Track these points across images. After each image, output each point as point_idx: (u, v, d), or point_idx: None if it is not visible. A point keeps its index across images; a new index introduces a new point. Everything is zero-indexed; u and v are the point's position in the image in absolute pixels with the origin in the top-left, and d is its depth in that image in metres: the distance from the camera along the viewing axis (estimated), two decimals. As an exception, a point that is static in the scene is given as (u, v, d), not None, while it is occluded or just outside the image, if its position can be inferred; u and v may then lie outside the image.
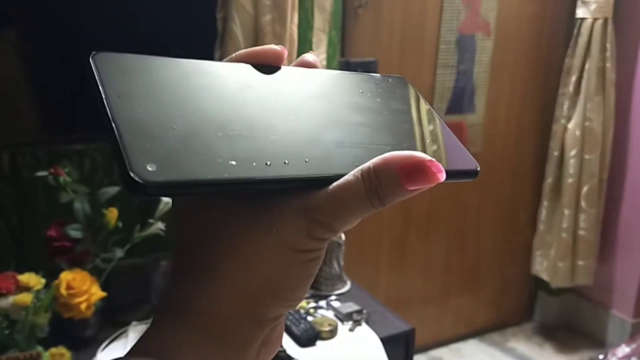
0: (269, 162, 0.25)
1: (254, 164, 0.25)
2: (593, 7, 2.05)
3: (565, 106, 2.18)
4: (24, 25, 1.34)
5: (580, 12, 2.09)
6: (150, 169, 0.22)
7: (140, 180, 0.22)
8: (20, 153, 1.45)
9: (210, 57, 1.45)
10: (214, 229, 0.27)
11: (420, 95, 0.35)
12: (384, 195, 0.26)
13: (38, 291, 1.19)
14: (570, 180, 2.19)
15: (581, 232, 2.24)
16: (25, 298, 1.14)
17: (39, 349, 1.17)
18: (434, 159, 0.27)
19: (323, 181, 0.26)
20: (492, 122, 2.20)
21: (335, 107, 0.31)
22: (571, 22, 2.19)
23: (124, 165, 0.22)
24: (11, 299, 1.14)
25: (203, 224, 0.28)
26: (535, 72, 2.26)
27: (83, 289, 1.23)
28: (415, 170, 0.26)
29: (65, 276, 1.23)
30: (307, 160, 0.27)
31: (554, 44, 2.25)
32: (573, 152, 2.17)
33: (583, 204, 2.21)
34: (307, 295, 0.30)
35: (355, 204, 0.26)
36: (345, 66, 1.84)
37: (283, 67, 0.31)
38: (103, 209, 1.30)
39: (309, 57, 0.33)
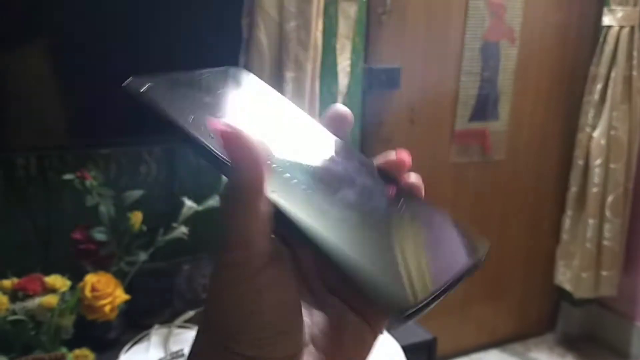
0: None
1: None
2: (620, 14, 2.03)
3: (591, 114, 2.15)
4: (53, 30, 1.36)
5: (607, 20, 2.07)
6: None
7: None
8: (48, 156, 1.47)
9: (235, 62, 1.46)
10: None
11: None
12: (230, 181, 0.27)
13: (63, 293, 1.20)
14: (594, 189, 2.16)
15: (605, 243, 2.20)
16: (51, 300, 1.16)
17: (64, 350, 1.19)
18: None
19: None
20: (516, 129, 2.18)
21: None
22: (597, 30, 2.16)
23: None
24: (37, 301, 1.15)
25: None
26: (560, 80, 2.24)
27: (107, 292, 1.25)
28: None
29: (90, 279, 1.25)
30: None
31: (579, 51, 2.23)
32: (598, 161, 2.14)
33: (608, 213, 2.18)
34: (288, 330, 0.28)
35: (227, 206, 0.26)
36: (369, 72, 1.84)
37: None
38: (128, 213, 1.32)
39: (340, 108, 0.33)
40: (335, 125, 0.33)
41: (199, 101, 0.30)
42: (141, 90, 0.29)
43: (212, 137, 0.27)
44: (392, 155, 0.32)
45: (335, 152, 0.32)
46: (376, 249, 0.27)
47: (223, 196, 0.26)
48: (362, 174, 0.31)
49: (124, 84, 0.28)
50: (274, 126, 0.32)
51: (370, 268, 0.25)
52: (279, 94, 0.34)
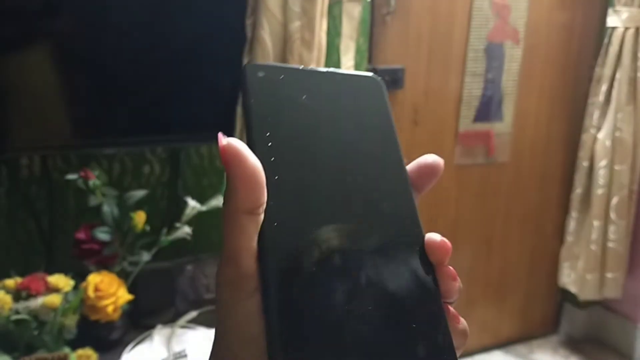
0: None
1: None
2: (625, 16, 2.02)
3: (595, 116, 2.15)
4: (57, 30, 1.36)
5: (612, 21, 2.06)
6: None
7: None
8: (51, 156, 1.47)
9: (238, 62, 1.46)
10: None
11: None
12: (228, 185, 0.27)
13: (67, 293, 1.20)
14: (599, 191, 2.15)
15: (610, 244, 2.19)
16: (55, 299, 1.16)
17: (67, 350, 1.19)
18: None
19: None
20: (520, 131, 2.18)
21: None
22: (602, 31, 2.16)
23: None
24: (41, 300, 1.15)
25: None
26: (564, 81, 2.23)
27: (110, 292, 1.25)
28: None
29: (93, 278, 1.24)
30: None
31: (584, 52, 2.22)
32: (603, 163, 2.13)
33: (612, 215, 2.17)
34: None
35: (224, 218, 0.27)
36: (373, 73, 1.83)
37: None
38: (131, 212, 1.32)
39: (430, 158, 0.31)
40: (421, 175, 0.31)
41: (294, 113, 0.28)
42: (256, 75, 0.27)
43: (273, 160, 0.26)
44: (436, 236, 0.30)
45: (383, 215, 0.29)
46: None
47: (222, 209, 0.26)
48: (397, 257, 0.28)
49: (245, 65, 0.27)
50: (338, 159, 0.28)
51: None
52: (390, 122, 0.31)
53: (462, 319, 0.30)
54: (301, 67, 0.29)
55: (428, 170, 0.31)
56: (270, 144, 0.27)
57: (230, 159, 0.25)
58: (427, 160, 0.31)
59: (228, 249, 0.25)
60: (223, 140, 0.25)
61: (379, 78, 0.32)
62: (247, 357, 0.25)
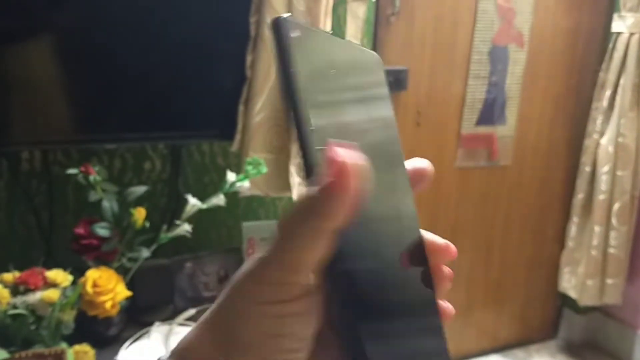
0: None
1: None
2: (630, 21, 2.01)
3: (599, 121, 2.14)
4: (58, 25, 1.36)
5: (617, 27, 2.06)
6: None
7: None
8: (52, 150, 1.47)
9: (242, 60, 1.46)
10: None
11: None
12: (312, 203, 0.24)
13: (65, 288, 1.20)
14: (601, 196, 2.14)
15: (611, 250, 2.19)
16: (53, 294, 1.15)
17: (64, 345, 1.18)
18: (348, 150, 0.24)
19: None
20: (523, 134, 2.17)
21: None
22: (606, 36, 2.15)
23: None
24: (39, 295, 1.15)
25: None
26: (568, 86, 2.22)
27: (109, 288, 1.24)
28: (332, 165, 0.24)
29: (92, 274, 1.24)
30: None
31: (588, 57, 2.22)
32: (605, 168, 2.12)
33: (614, 221, 2.17)
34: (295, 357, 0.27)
35: (292, 226, 0.25)
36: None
37: None
38: (131, 209, 1.31)
39: (422, 163, 0.32)
40: (413, 180, 0.32)
41: (332, 80, 0.27)
42: (291, 35, 0.25)
43: (313, 130, 0.25)
44: (440, 240, 0.31)
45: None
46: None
47: (295, 212, 0.25)
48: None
49: (276, 17, 0.25)
50: (365, 140, 0.28)
51: None
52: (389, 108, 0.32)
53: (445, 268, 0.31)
54: (330, 32, 0.30)
55: (418, 175, 0.31)
56: (314, 120, 0.26)
57: (345, 181, 0.24)
58: (419, 164, 0.32)
59: (292, 258, 0.25)
60: (347, 158, 0.24)
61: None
62: (256, 352, 0.26)
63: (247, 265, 0.26)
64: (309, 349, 0.27)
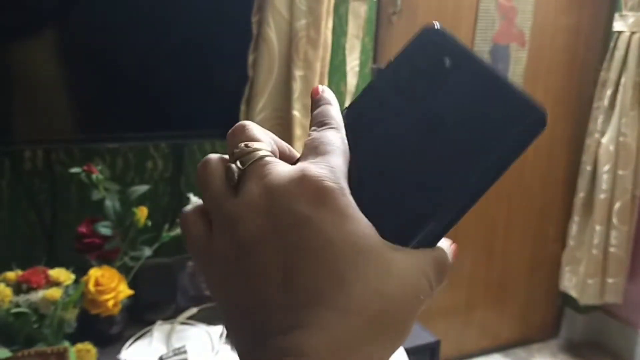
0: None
1: None
2: (631, 20, 2.01)
3: (600, 120, 2.14)
4: (61, 24, 1.36)
5: (618, 25, 2.06)
6: None
7: None
8: (55, 150, 1.47)
9: (243, 59, 1.46)
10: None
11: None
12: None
13: (67, 286, 1.20)
14: (602, 195, 2.14)
15: (612, 249, 2.19)
16: (55, 293, 1.15)
17: (66, 343, 1.18)
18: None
19: None
20: (524, 134, 2.17)
21: None
22: (608, 35, 2.15)
23: None
24: (41, 293, 1.15)
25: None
26: (569, 85, 2.22)
27: (111, 286, 1.24)
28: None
29: (94, 273, 1.24)
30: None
31: (589, 56, 2.22)
32: (606, 168, 2.13)
33: (615, 220, 2.17)
34: None
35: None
36: (377, 73, 1.83)
37: None
38: (133, 208, 1.31)
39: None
40: None
41: None
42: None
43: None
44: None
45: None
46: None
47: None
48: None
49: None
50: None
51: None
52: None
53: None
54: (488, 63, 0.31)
55: None
56: None
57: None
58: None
59: None
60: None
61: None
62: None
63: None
64: None
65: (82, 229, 1.30)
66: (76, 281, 1.24)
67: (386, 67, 0.30)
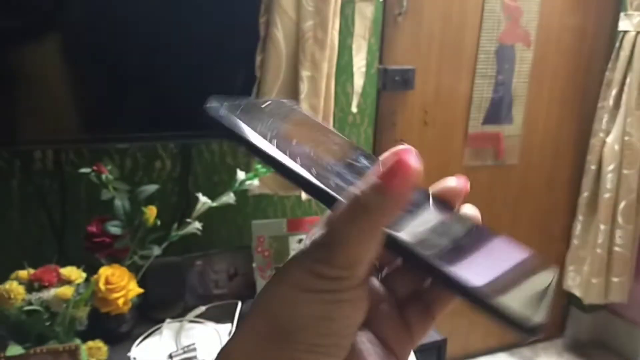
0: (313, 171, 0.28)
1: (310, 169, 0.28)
2: (636, 20, 2.02)
3: (605, 120, 2.15)
4: (70, 24, 1.38)
5: (623, 25, 2.06)
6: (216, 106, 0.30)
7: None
8: (64, 150, 1.48)
9: (251, 60, 1.47)
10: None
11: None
12: (366, 203, 0.25)
13: (78, 285, 1.21)
14: (607, 195, 2.15)
15: (616, 249, 2.19)
16: (67, 291, 1.17)
17: (77, 341, 1.20)
18: (406, 148, 0.26)
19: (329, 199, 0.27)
20: (530, 133, 2.18)
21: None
22: (613, 35, 2.16)
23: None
24: (53, 292, 1.16)
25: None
26: (574, 85, 2.23)
27: (121, 285, 1.26)
28: (388, 164, 0.25)
29: (104, 271, 1.26)
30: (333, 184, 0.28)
31: (595, 56, 2.22)
32: (611, 167, 2.13)
33: (619, 219, 2.17)
34: (341, 345, 0.27)
35: (345, 227, 0.25)
36: (384, 73, 1.84)
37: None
38: (142, 207, 1.33)
39: (451, 181, 0.33)
40: (448, 197, 0.32)
41: (275, 126, 0.30)
42: (220, 114, 0.29)
43: (298, 163, 0.28)
44: (451, 181, 0.32)
45: None
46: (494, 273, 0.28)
47: (347, 211, 0.26)
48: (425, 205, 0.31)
49: (205, 106, 0.29)
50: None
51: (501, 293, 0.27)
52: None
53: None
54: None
55: (450, 194, 0.32)
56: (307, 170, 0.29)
57: (404, 180, 0.25)
58: (450, 184, 0.32)
59: (348, 256, 0.26)
60: (412, 160, 0.25)
61: None
62: (306, 336, 0.26)
63: (296, 259, 0.27)
64: (354, 339, 0.28)
65: (92, 228, 1.31)
66: (87, 280, 1.25)
67: None
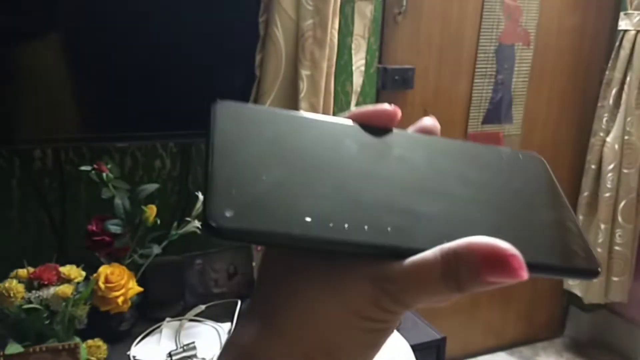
0: (346, 225, 0.24)
1: (331, 224, 0.24)
2: (636, 19, 2.02)
3: (605, 119, 2.15)
4: (69, 22, 1.38)
5: (623, 24, 2.06)
6: (227, 214, 0.23)
7: (214, 225, 0.23)
8: (64, 149, 1.49)
9: (251, 59, 1.47)
10: (282, 279, 0.27)
11: (553, 178, 0.34)
12: (462, 282, 0.24)
13: (78, 283, 1.22)
14: (607, 194, 2.15)
15: (617, 248, 2.19)
16: (66, 289, 1.17)
17: (77, 339, 1.20)
18: (517, 253, 0.24)
19: (401, 253, 0.25)
20: (530, 133, 2.18)
21: (443, 177, 0.30)
22: (613, 34, 2.16)
23: (204, 208, 0.23)
24: (52, 290, 1.16)
25: (276, 271, 0.27)
26: (574, 84, 2.23)
27: (120, 283, 1.26)
28: (497, 262, 0.24)
29: (104, 270, 1.26)
30: (389, 229, 0.25)
31: (594, 55, 2.22)
32: (611, 166, 2.13)
33: (619, 219, 2.17)
34: None
35: (430, 284, 0.24)
36: (383, 72, 1.84)
37: (395, 130, 0.31)
38: (142, 206, 1.33)
39: (427, 121, 0.32)
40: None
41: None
42: (225, 226, 0.23)
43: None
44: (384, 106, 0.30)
45: None
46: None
47: (429, 272, 0.24)
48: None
49: (206, 222, 0.23)
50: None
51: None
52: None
53: None
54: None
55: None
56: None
57: (506, 280, 0.25)
58: (426, 124, 0.33)
59: (417, 300, 0.25)
60: (518, 264, 0.24)
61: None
62: (347, 354, 0.26)
63: (354, 277, 0.25)
64: None
65: (92, 227, 1.32)
66: (86, 278, 1.25)
67: None
